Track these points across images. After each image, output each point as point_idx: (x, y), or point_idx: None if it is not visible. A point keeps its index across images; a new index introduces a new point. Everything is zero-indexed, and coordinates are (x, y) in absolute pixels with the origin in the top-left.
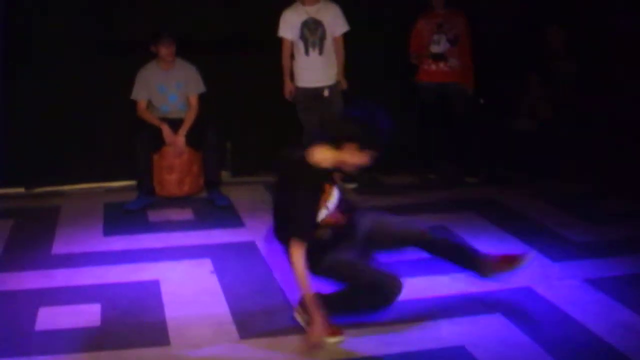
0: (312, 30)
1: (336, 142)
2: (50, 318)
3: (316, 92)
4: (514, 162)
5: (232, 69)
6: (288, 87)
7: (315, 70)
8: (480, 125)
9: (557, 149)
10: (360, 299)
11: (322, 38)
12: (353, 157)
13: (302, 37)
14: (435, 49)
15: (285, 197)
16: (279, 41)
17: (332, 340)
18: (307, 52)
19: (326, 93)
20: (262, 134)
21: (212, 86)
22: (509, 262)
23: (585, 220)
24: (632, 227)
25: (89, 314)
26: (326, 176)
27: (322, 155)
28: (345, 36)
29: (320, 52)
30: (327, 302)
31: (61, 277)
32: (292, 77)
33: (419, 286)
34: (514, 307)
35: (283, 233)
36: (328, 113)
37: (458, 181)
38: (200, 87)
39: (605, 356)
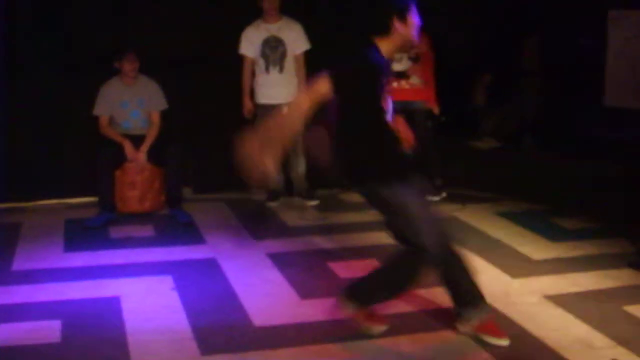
0: (273, 48)
1: (385, 28)
2: (10, 334)
3: (275, 109)
4: (475, 181)
5: (194, 86)
6: (247, 106)
7: (275, 88)
8: (442, 143)
9: (518, 167)
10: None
11: (283, 56)
12: (403, 28)
13: (263, 54)
14: (396, 67)
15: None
16: (241, 59)
17: (377, 328)
18: (267, 70)
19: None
20: (224, 151)
21: (174, 103)
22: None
23: (544, 237)
24: (590, 245)
25: (49, 331)
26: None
27: (384, 46)
28: (306, 54)
29: (281, 70)
30: (364, 287)
31: (21, 294)
32: (252, 94)
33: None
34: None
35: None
36: None
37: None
38: (163, 104)
39: None
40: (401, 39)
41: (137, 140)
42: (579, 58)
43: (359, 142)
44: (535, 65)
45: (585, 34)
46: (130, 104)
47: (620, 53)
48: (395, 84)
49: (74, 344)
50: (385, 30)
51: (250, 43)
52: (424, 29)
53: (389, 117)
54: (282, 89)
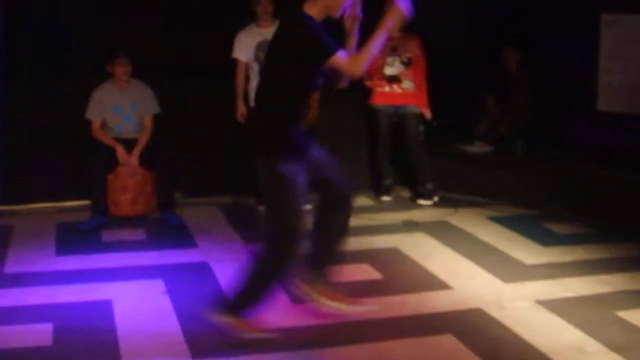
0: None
1: None
2: (1, 338)
3: None
4: (467, 185)
5: (186, 91)
6: (240, 109)
7: None
8: (433, 147)
9: (510, 172)
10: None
11: None
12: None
13: (257, 58)
14: (389, 70)
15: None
16: (234, 63)
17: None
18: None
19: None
20: (216, 155)
21: (167, 107)
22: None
23: (536, 242)
24: (582, 250)
25: (40, 334)
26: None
27: (310, 8)
28: None
29: None
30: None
31: (13, 297)
32: (246, 98)
33: (369, 307)
34: (465, 328)
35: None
36: None
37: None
38: (155, 108)
39: None
40: (324, 9)
41: (129, 144)
42: (571, 62)
43: (274, 109)
44: (523, 71)
45: (577, 38)
46: (123, 108)
47: (613, 57)
48: (387, 88)
49: (66, 348)
50: None
51: (243, 47)
52: (415, 32)
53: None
54: None
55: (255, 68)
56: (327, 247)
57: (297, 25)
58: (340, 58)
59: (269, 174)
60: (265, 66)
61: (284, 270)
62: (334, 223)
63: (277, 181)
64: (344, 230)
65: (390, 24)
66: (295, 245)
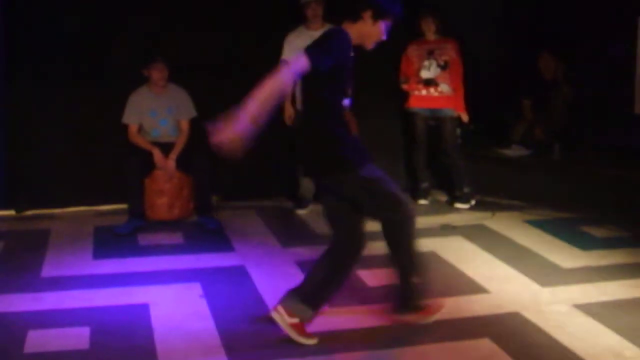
0: None
1: (354, 14)
2: (39, 341)
3: None
4: (504, 188)
5: (223, 93)
6: (288, 112)
7: None
8: (470, 151)
9: (547, 175)
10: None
11: None
12: (370, 28)
13: None
14: (425, 74)
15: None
16: (271, 64)
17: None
18: None
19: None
20: (253, 158)
21: (203, 111)
22: None
23: (574, 245)
24: (620, 254)
25: (77, 337)
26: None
27: (350, 31)
28: None
29: None
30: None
31: (50, 300)
32: (294, 100)
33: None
34: (502, 332)
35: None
36: None
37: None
38: (192, 112)
39: None
40: (363, 32)
41: (166, 148)
42: (608, 66)
43: (323, 127)
44: (559, 75)
45: (615, 42)
46: (159, 113)
47: None
48: (424, 92)
49: (103, 351)
50: (353, 15)
51: (292, 49)
52: (452, 36)
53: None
54: None
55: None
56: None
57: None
58: (294, 61)
59: (354, 186)
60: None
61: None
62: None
63: (366, 184)
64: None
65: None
66: (414, 214)
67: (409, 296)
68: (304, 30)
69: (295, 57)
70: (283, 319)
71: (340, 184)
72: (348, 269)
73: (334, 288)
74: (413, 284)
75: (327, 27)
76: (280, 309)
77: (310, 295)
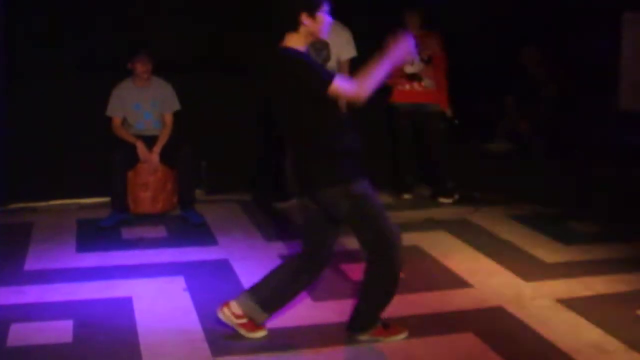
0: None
1: (293, 24)
2: (22, 334)
3: None
4: (488, 184)
5: (207, 87)
6: None
7: None
8: (454, 146)
9: (531, 170)
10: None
11: (326, 60)
12: (314, 26)
13: None
14: (409, 69)
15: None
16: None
17: (397, 337)
18: None
19: None
20: (237, 152)
21: (187, 104)
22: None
23: (557, 240)
24: (603, 248)
25: (60, 331)
26: None
27: (294, 41)
28: (352, 61)
29: None
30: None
31: (33, 294)
32: None
33: (390, 305)
34: (485, 327)
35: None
36: None
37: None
38: (175, 105)
39: None
40: (309, 35)
41: (149, 141)
42: (593, 61)
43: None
44: (544, 70)
45: (599, 37)
46: (143, 106)
47: (636, 56)
48: (407, 87)
49: (86, 344)
50: (292, 25)
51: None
52: (435, 30)
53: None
54: None
55: None
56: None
57: (290, 64)
58: (341, 85)
59: (345, 203)
60: (281, 119)
61: (399, 272)
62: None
63: (356, 203)
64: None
65: (396, 56)
66: (400, 247)
67: (368, 320)
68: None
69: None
70: (231, 319)
71: (332, 202)
72: (305, 283)
73: (289, 297)
74: (376, 313)
75: (334, 22)
76: (228, 309)
77: (267, 299)
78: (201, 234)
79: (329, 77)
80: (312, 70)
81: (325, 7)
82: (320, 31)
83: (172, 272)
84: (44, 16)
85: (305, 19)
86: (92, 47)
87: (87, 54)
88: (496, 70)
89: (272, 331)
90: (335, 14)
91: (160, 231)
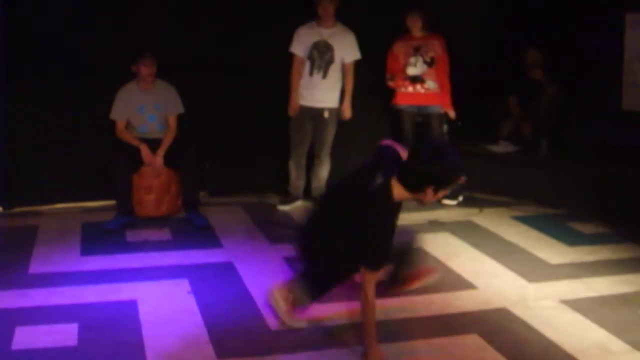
0: (321, 53)
1: (415, 189)
2: (27, 337)
3: (315, 112)
4: (492, 185)
5: (211, 90)
6: (294, 104)
7: (315, 91)
8: (457, 147)
9: (535, 171)
10: None
11: (329, 62)
12: (430, 197)
13: (310, 57)
14: (411, 71)
15: (353, 224)
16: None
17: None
18: (310, 73)
19: (326, 114)
20: (241, 155)
21: (191, 107)
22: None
23: (561, 241)
24: (606, 249)
25: (65, 334)
26: (399, 208)
27: (400, 193)
28: (357, 64)
29: (324, 76)
30: None
31: (38, 297)
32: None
33: (395, 307)
34: (490, 328)
35: (332, 255)
36: (320, 135)
37: None
38: (179, 108)
39: None
40: (418, 198)
41: (153, 144)
42: (596, 62)
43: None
44: (546, 71)
45: (602, 38)
46: (147, 109)
47: (638, 57)
48: (410, 89)
49: (91, 348)
50: (415, 190)
51: (301, 43)
52: (439, 32)
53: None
54: (323, 93)
55: (307, 66)
56: None
57: (372, 209)
58: (369, 277)
59: None
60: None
61: None
62: None
63: None
64: None
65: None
66: None
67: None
68: (315, 26)
69: (365, 279)
70: (279, 304)
71: None
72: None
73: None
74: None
75: (339, 25)
76: (279, 293)
77: (311, 285)
78: (205, 237)
79: (377, 262)
80: (378, 240)
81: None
82: (426, 200)
83: (177, 274)
84: (44, 16)
85: (428, 190)
86: (96, 49)
87: (90, 56)
88: (499, 72)
89: (275, 333)
90: (339, 16)
91: (164, 234)
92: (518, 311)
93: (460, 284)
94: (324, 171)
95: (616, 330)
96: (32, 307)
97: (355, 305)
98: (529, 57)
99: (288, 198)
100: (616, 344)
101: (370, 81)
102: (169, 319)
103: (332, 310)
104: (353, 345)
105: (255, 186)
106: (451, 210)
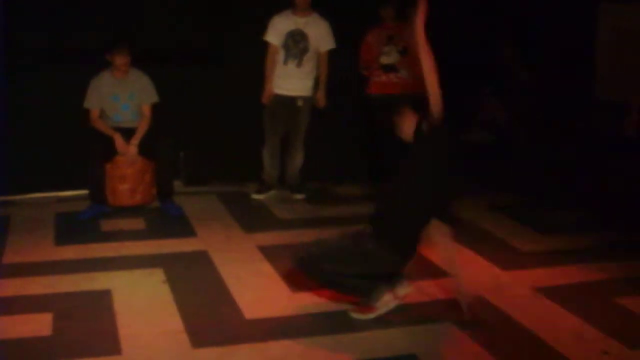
0: (296, 42)
1: None
2: (1, 327)
3: (289, 100)
4: (467, 173)
5: (185, 79)
6: (268, 92)
7: (289, 80)
8: None
9: (510, 160)
10: None
11: (304, 51)
12: None
13: (285, 46)
14: (385, 60)
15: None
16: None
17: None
18: (285, 62)
19: (300, 103)
20: (215, 144)
21: (165, 96)
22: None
23: (535, 230)
24: (580, 237)
25: (40, 324)
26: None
27: None
28: (331, 53)
29: (299, 65)
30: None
31: (12, 287)
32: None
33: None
34: (464, 316)
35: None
36: (294, 124)
37: None
38: (154, 97)
39: None
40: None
41: (128, 133)
42: (569, 51)
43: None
44: (518, 61)
45: (575, 27)
46: (121, 98)
47: (611, 45)
48: (384, 78)
49: (65, 337)
50: None
51: (276, 31)
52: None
53: None
54: (297, 82)
55: (281, 55)
56: None
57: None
58: None
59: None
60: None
61: None
62: None
63: None
64: None
65: None
66: None
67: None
68: (290, 15)
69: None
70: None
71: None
72: None
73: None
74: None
75: (314, 14)
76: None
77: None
78: (180, 226)
79: None
80: None
81: None
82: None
83: (151, 264)
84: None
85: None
86: (69, 38)
87: (63, 45)
88: (473, 61)
89: (249, 322)
90: (314, 5)
91: (139, 223)
92: (493, 299)
93: (435, 272)
94: (298, 160)
95: (590, 317)
96: (6, 297)
97: (330, 294)
98: (503, 47)
99: (262, 187)
100: (589, 331)
101: (345, 70)
102: (143, 308)
103: (307, 300)
104: (328, 333)
105: (230, 175)
106: None
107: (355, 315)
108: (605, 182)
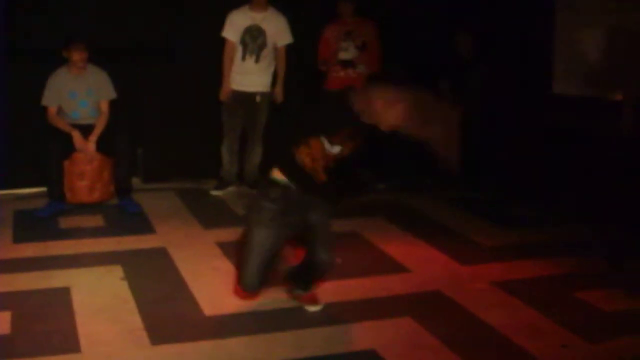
0: (253, 38)
1: None
2: None
3: (247, 96)
4: (427, 168)
5: (143, 75)
6: (226, 89)
7: (248, 76)
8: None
9: (470, 155)
10: None
11: (262, 47)
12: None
13: (242, 42)
14: (343, 55)
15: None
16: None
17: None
18: (243, 58)
19: (258, 99)
20: (174, 140)
21: (123, 92)
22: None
23: (495, 224)
24: (541, 232)
25: None
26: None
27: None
28: (289, 48)
29: (257, 60)
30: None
31: None
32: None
33: (327, 290)
34: (423, 310)
35: None
36: (252, 120)
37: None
38: (111, 93)
39: (514, 357)
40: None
41: (86, 130)
42: (526, 45)
43: None
44: (475, 56)
45: (533, 21)
46: (79, 94)
47: (570, 40)
48: (342, 73)
49: (24, 335)
50: None
51: (233, 27)
52: (370, 17)
53: None
54: (256, 78)
55: (239, 51)
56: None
57: None
58: None
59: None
60: None
61: None
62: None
63: None
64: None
65: None
66: None
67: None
68: (247, 10)
69: None
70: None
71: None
72: None
73: None
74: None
75: (271, 10)
76: None
77: None
78: (138, 223)
79: None
80: None
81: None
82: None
83: (110, 261)
84: None
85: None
86: (25, 33)
87: (20, 41)
88: (430, 56)
89: (209, 318)
90: (271, 0)
91: (97, 220)
92: (451, 294)
93: (393, 267)
94: (256, 156)
95: (549, 311)
96: None
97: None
98: (460, 40)
99: (221, 183)
100: (547, 324)
101: (302, 65)
102: (102, 305)
103: (266, 296)
104: (288, 329)
105: (189, 172)
106: (385, 193)
107: (312, 308)
108: (565, 176)
